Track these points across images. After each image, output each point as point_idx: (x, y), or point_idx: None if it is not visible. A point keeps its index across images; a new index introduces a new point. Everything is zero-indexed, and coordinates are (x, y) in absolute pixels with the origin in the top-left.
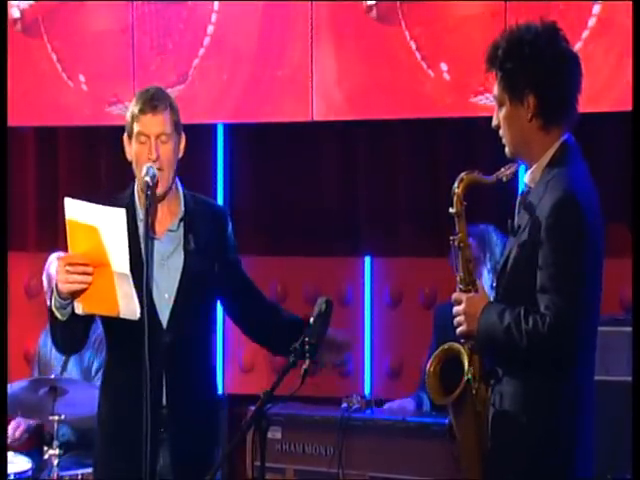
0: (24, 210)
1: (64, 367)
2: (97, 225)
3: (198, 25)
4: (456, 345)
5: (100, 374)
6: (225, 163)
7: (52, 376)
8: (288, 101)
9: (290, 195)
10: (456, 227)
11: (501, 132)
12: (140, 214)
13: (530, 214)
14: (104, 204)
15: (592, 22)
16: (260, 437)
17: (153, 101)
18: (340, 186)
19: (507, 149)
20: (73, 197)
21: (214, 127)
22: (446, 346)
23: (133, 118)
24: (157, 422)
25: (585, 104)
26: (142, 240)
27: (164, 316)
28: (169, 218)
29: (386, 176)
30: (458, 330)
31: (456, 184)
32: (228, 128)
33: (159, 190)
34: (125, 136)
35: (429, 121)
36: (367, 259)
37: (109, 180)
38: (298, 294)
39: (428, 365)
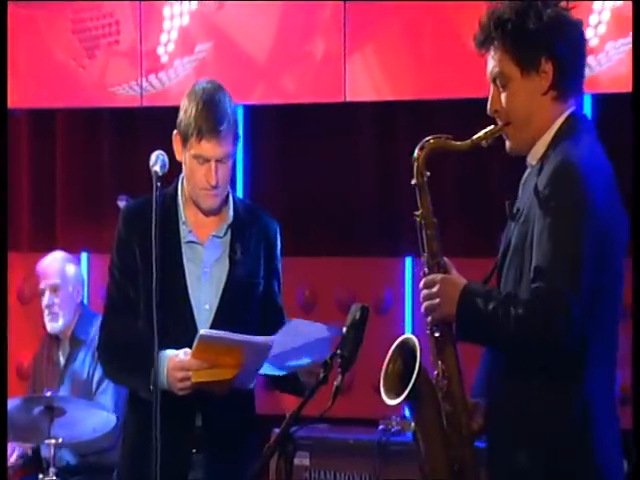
0: (17, 204)
1: (60, 381)
2: (242, 347)
3: None
4: (412, 338)
5: (102, 387)
6: (245, 151)
7: (47, 393)
8: (318, 80)
9: (319, 187)
10: (418, 202)
11: (502, 117)
12: (183, 216)
13: (528, 193)
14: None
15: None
16: (286, 464)
17: (218, 125)
18: (377, 177)
19: (512, 138)
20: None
21: None
22: (399, 341)
23: (192, 132)
24: (189, 443)
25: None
26: (183, 244)
27: (203, 328)
28: (215, 223)
29: (431, 165)
30: (431, 316)
31: (416, 150)
32: (249, 110)
33: (213, 205)
34: (177, 135)
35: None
36: (408, 260)
37: (112, 169)
38: (329, 300)
39: (384, 365)
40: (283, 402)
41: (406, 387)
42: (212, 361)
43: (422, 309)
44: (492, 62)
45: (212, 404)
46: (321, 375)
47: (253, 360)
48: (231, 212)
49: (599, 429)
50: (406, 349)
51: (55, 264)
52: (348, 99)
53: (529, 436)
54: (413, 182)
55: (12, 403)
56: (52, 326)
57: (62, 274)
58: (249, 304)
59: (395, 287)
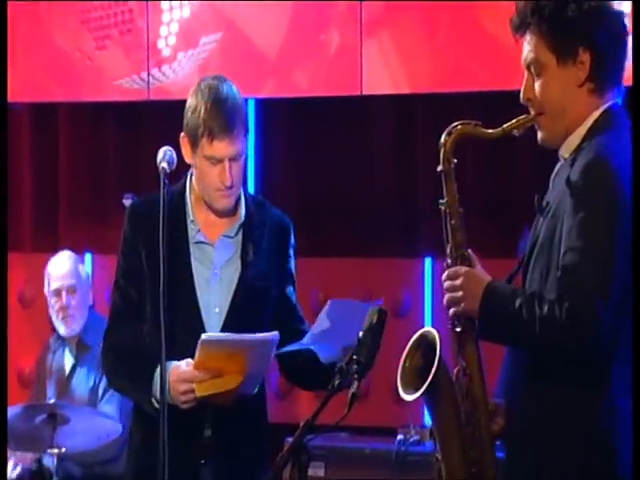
0: (18, 202)
1: (65, 388)
2: (245, 350)
3: None
4: (431, 331)
5: (108, 395)
6: (257, 146)
7: (51, 400)
8: (333, 72)
9: (333, 184)
10: (443, 189)
11: (535, 107)
12: (191, 214)
13: (559, 186)
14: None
15: None
16: (299, 474)
17: (230, 123)
18: (394, 173)
19: (544, 129)
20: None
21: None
22: (418, 335)
23: (202, 134)
24: (197, 453)
25: None
26: (191, 244)
27: (213, 332)
28: (226, 222)
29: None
30: (453, 309)
31: (444, 136)
32: (260, 104)
33: (228, 205)
34: (184, 137)
35: (505, 95)
36: (427, 261)
37: (118, 165)
38: None
39: (402, 359)
40: (296, 410)
41: (425, 382)
42: (215, 371)
43: (444, 301)
44: (527, 47)
45: (222, 413)
46: (336, 382)
47: (257, 362)
48: (243, 211)
49: (625, 428)
50: (425, 342)
51: (69, 264)
52: (365, 92)
53: (554, 435)
54: (439, 168)
55: (13, 411)
56: (67, 329)
57: (77, 274)
58: (262, 307)
59: (414, 289)
